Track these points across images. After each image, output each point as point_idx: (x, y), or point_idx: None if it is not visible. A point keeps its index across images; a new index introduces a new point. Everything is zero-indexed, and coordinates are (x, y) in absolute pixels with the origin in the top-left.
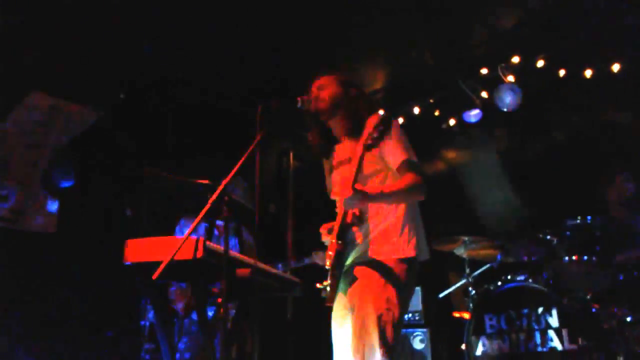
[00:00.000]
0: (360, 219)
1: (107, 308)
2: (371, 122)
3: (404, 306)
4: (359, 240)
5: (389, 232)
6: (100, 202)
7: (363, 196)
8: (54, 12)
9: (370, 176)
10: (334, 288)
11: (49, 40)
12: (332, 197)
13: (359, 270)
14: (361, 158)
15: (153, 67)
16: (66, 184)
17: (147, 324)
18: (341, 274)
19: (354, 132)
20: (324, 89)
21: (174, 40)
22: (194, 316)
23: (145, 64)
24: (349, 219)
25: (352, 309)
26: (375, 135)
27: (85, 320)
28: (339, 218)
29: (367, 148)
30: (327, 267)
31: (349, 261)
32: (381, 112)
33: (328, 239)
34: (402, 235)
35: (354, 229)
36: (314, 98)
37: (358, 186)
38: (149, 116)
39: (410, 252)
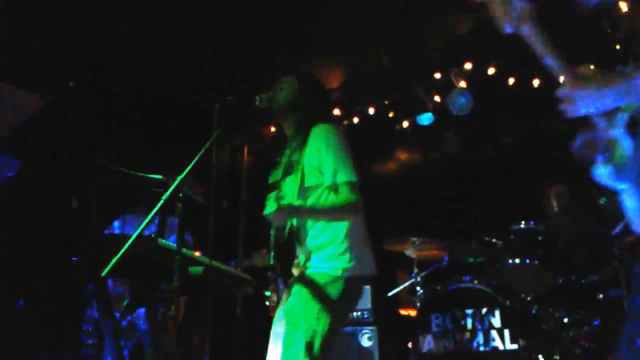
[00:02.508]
0: (297, 237)
1: (49, 302)
2: (316, 131)
3: (337, 319)
4: (298, 253)
5: (327, 246)
6: (45, 192)
7: (289, 212)
8: None
9: (314, 188)
10: (277, 298)
11: None
12: None
13: (296, 284)
14: (302, 168)
15: (106, 57)
16: (8, 173)
17: (90, 319)
18: (283, 285)
19: (299, 137)
20: (284, 90)
21: (130, 30)
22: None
23: (98, 52)
24: (285, 236)
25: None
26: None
27: (25, 315)
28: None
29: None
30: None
31: (294, 272)
32: (336, 111)
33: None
34: (340, 250)
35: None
36: (273, 97)
37: (284, 204)
38: (100, 106)
39: (347, 267)
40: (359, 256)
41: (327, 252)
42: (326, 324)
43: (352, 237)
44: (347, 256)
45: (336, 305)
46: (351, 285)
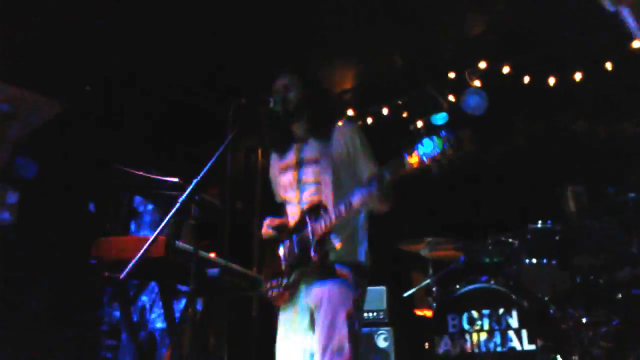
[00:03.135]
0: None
1: (68, 304)
2: (342, 128)
3: (363, 306)
4: (329, 241)
5: (351, 238)
6: (63, 196)
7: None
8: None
9: (349, 180)
10: (294, 289)
11: (13, 29)
12: (283, 196)
13: (326, 272)
14: (332, 162)
15: (121, 60)
16: (27, 175)
17: (108, 320)
18: (301, 275)
19: (321, 133)
20: (291, 90)
21: (145, 34)
22: None
23: (114, 56)
24: (327, 227)
25: (316, 307)
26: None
27: (45, 316)
28: (297, 218)
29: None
30: (282, 267)
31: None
32: (350, 112)
33: (269, 234)
34: (361, 242)
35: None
36: (282, 99)
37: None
38: (116, 110)
39: (365, 257)
40: (367, 246)
41: (351, 240)
42: (361, 309)
43: (365, 228)
44: (365, 244)
45: (364, 291)
46: (368, 271)
